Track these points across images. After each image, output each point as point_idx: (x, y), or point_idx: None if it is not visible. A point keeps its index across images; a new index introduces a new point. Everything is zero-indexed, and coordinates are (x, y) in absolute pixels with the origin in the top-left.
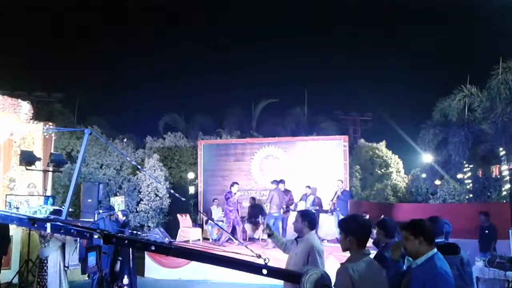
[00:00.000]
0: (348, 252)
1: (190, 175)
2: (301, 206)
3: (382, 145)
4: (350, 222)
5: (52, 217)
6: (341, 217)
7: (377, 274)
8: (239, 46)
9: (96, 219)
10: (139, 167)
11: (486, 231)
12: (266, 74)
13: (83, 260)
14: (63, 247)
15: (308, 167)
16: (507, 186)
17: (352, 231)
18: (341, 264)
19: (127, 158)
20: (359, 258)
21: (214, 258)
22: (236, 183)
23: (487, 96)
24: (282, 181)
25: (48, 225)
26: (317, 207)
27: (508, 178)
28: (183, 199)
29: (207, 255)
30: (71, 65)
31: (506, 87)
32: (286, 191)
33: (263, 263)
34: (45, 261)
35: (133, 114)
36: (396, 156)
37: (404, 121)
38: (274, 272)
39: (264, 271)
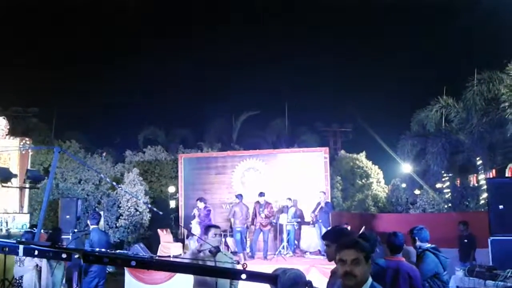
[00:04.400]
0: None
1: (171, 189)
2: (283, 218)
3: (362, 156)
4: (340, 233)
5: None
6: (323, 229)
7: None
8: (218, 59)
9: (70, 239)
10: (114, 183)
11: (466, 241)
12: (246, 86)
13: (70, 280)
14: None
15: (289, 179)
16: (485, 195)
17: None
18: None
19: (101, 175)
20: None
21: (195, 268)
22: (200, 198)
23: (463, 107)
24: (262, 194)
25: (21, 248)
26: (299, 219)
27: (485, 187)
28: (161, 213)
29: (188, 266)
30: (48, 79)
31: (481, 98)
32: (267, 204)
33: (242, 269)
34: (20, 281)
35: (112, 128)
36: (376, 166)
37: (383, 132)
38: (252, 276)
39: (243, 276)
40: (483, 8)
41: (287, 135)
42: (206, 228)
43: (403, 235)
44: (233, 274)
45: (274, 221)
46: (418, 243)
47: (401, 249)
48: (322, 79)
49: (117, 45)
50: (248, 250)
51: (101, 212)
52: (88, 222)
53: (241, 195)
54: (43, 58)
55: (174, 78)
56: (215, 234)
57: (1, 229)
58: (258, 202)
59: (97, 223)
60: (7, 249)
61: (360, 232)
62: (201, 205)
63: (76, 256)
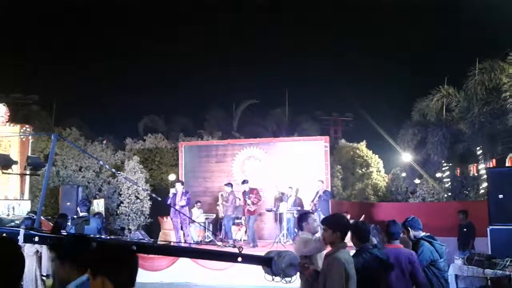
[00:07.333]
0: None
1: (171, 177)
2: (283, 207)
3: (362, 145)
4: (337, 220)
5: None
6: (323, 217)
7: (352, 259)
8: (220, 47)
9: (70, 225)
10: (113, 170)
11: (465, 229)
12: (247, 74)
13: None
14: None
15: (290, 168)
16: (485, 184)
17: (339, 227)
18: (330, 255)
19: (100, 162)
20: (342, 249)
21: (193, 252)
22: (181, 181)
23: (464, 97)
24: (245, 181)
25: (21, 234)
26: (299, 208)
27: (485, 176)
28: (159, 198)
29: (185, 250)
30: (48, 66)
31: (482, 87)
32: (251, 190)
33: (238, 252)
34: None
35: (112, 115)
36: (377, 155)
37: (384, 121)
38: (248, 258)
39: (239, 259)
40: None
41: (288, 124)
42: (305, 215)
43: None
44: (229, 257)
45: (274, 209)
46: (412, 233)
47: (398, 236)
48: (323, 68)
49: (118, 34)
50: (244, 238)
51: (102, 200)
52: (78, 209)
53: (231, 184)
54: (43, 46)
55: (174, 67)
56: (314, 220)
57: (8, 214)
58: (244, 191)
59: (87, 210)
60: (6, 235)
61: (358, 221)
62: (180, 188)
63: None
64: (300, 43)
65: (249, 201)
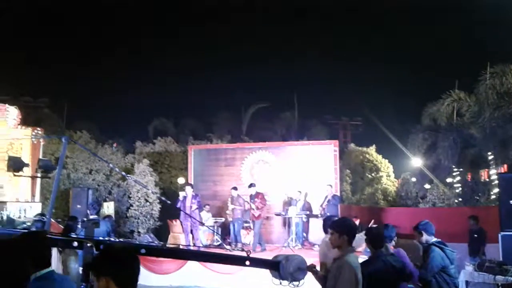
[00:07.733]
0: None
1: (181, 180)
2: (292, 211)
3: (372, 150)
4: (344, 223)
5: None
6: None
7: (359, 264)
8: (229, 51)
9: (80, 227)
10: (123, 173)
11: (475, 235)
12: (256, 78)
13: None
14: None
15: (299, 172)
16: (496, 190)
17: (346, 231)
18: (339, 259)
19: (110, 165)
20: (350, 253)
21: (201, 255)
22: (190, 184)
23: (475, 101)
24: (251, 185)
25: None
26: (307, 212)
27: (496, 182)
28: (169, 202)
29: (194, 253)
30: (59, 69)
31: (493, 92)
32: (257, 194)
33: (246, 255)
34: None
35: (123, 119)
36: (386, 160)
37: (393, 126)
38: (256, 262)
39: (247, 262)
40: (497, 1)
41: (297, 128)
42: (330, 219)
43: (394, 228)
44: (237, 261)
45: (283, 213)
46: (425, 237)
47: (390, 239)
48: (332, 71)
49: (128, 38)
50: (249, 242)
51: (112, 203)
52: (88, 212)
53: (235, 187)
54: (52, 49)
55: (184, 70)
56: None
57: (19, 216)
58: (251, 194)
59: (97, 213)
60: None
61: (373, 226)
62: (190, 191)
63: (89, 244)
64: (309, 47)
65: (253, 206)
